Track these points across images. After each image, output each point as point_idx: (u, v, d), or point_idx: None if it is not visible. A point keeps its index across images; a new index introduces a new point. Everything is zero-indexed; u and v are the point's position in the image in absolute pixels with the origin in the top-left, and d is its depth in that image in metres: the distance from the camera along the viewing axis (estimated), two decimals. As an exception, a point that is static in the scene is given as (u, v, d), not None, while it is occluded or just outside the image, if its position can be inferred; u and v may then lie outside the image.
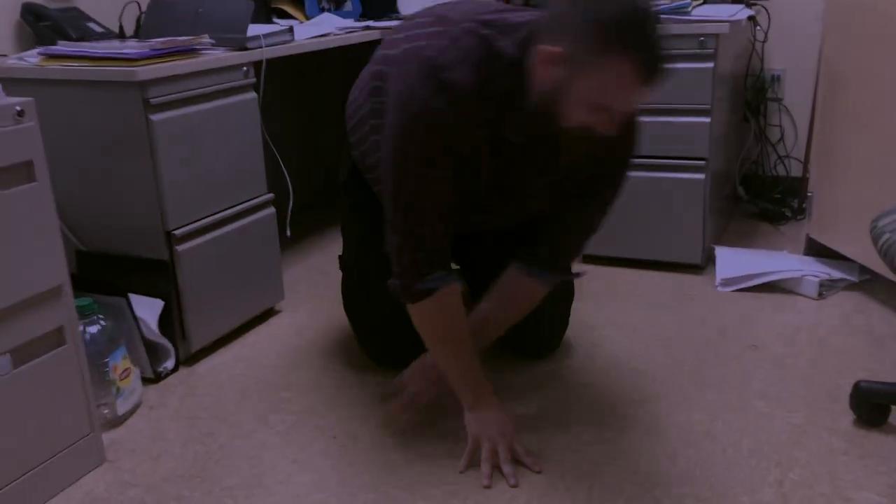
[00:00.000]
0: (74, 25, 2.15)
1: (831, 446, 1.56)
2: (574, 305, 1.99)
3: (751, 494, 1.43)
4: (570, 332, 2.08)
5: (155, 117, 1.82)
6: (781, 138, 2.95)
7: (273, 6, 2.71)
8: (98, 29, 2.18)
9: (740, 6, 2.36)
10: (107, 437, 1.70)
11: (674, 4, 2.31)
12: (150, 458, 1.63)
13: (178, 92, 1.86)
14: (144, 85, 1.78)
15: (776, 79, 2.90)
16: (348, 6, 2.83)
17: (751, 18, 2.52)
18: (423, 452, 1.61)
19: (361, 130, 1.68)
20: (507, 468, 1.51)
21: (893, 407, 1.62)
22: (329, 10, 2.77)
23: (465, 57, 1.39)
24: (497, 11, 1.48)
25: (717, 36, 2.23)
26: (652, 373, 1.86)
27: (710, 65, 2.25)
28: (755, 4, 2.53)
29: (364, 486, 1.51)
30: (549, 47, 1.31)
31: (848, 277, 2.26)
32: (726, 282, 2.29)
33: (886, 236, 1.47)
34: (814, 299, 2.20)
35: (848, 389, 1.74)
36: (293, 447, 1.65)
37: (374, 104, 1.59)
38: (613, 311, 2.19)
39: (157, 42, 1.87)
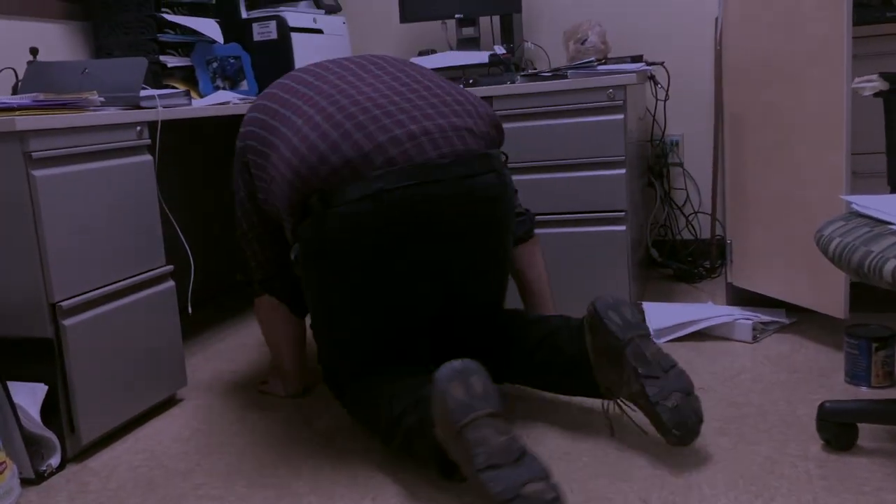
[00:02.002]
0: (-59, 94, 1.94)
1: (808, 472, 1.45)
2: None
3: (739, 528, 1.30)
4: (520, 392, 1.93)
5: (37, 173, 1.62)
6: (687, 200, 2.98)
7: (168, 84, 2.57)
8: (-31, 97, 1.97)
9: (640, 64, 2.40)
10: (-23, 546, 1.41)
11: (579, 62, 2.32)
12: (34, 564, 1.34)
13: (64, 147, 1.68)
14: (24, 136, 1.59)
15: (675, 144, 2.96)
16: (244, 85, 2.73)
17: (651, 77, 2.57)
18: (368, 523, 1.39)
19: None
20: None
21: (860, 427, 1.54)
22: (224, 89, 2.66)
23: None
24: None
25: (624, 87, 2.24)
26: (601, 420, 1.73)
27: (621, 116, 2.25)
28: (653, 64, 2.59)
29: (302, 566, 1.28)
30: None
31: (778, 320, 2.23)
32: (659, 333, 2.21)
33: (836, 241, 1.42)
34: (748, 343, 2.14)
35: (806, 419, 1.66)
36: (212, 535, 1.40)
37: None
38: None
39: (40, 94, 1.69)
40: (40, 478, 1.64)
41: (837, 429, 1.52)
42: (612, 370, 1.59)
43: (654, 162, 2.96)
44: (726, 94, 2.30)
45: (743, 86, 2.22)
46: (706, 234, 2.95)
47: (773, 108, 2.12)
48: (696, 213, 2.97)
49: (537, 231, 2.23)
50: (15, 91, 2.07)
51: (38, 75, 1.96)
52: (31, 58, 2.19)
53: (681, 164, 2.97)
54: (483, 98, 2.35)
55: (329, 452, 1.68)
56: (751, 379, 1.91)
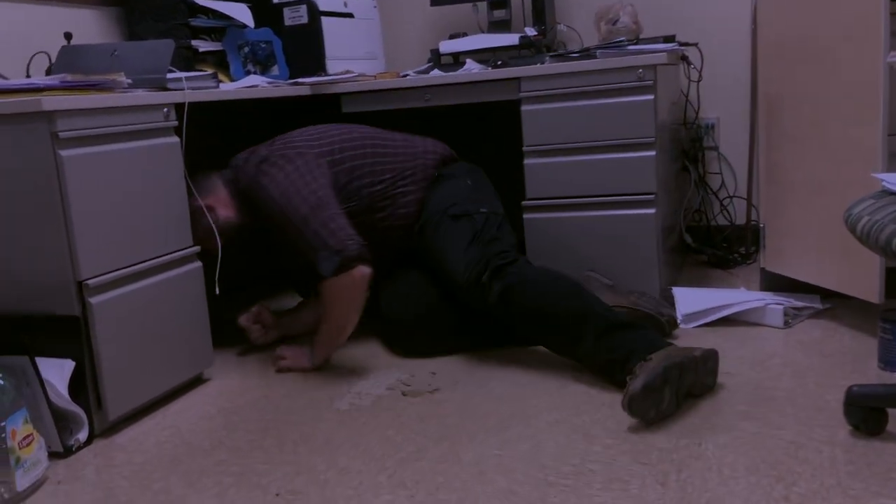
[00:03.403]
0: (-24, 78, 1.98)
1: (833, 457, 1.41)
2: (529, 351, 2.00)
3: (758, 511, 1.27)
4: (535, 371, 1.92)
5: (64, 153, 1.64)
6: (722, 184, 2.92)
7: (199, 68, 2.60)
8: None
9: (672, 44, 2.36)
10: (4, 515, 1.44)
11: (609, 42, 2.28)
12: (57, 534, 1.37)
13: (91, 128, 1.70)
14: (52, 116, 1.62)
15: (710, 127, 2.90)
16: (275, 70, 2.74)
17: (683, 57, 2.52)
18: None
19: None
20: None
21: (890, 412, 1.50)
22: (255, 73, 2.68)
23: None
24: None
25: (654, 67, 2.20)
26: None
27: (651, 97, 2.21)
28: (686, 45, 2.54)
29: (315, 540, 1.29)
30: None
31: (812, 305, 2.18)
32: (688, 318, 2.17)
33: (865, 219, 1.38)
34: (780, 328, 2.10)
35: (835, 405, 1.61)
36: (229, 509, 1.41)
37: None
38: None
39: (67, 75, 1.72)
40: (68, 451, 1.67)
41: (866, 413, 1.48)
42: None
43: (689, 146, 2.90)
44: (761, 74, 2.24)
45: (777, 64, 2.17)
46: (742, 220, 2.89)
47: (808, 86, 2.06)
48: (731, 197, 2.91)
49: (566, 214, 2.29)
50: (48, 74, 2.11)
51: (69, 58, 1.99)
52: (65, 42, 2.22)
53: (716, 148, 2.91)
54: (511, 80, 2.33)
55: (349, 432, 1.69)
56: (781, 364, 1.86)
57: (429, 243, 2.15)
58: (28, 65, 2.10)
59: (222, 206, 2.10)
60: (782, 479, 1.36)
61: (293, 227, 1.97)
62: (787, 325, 2.11)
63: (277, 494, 1.45)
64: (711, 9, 2.83)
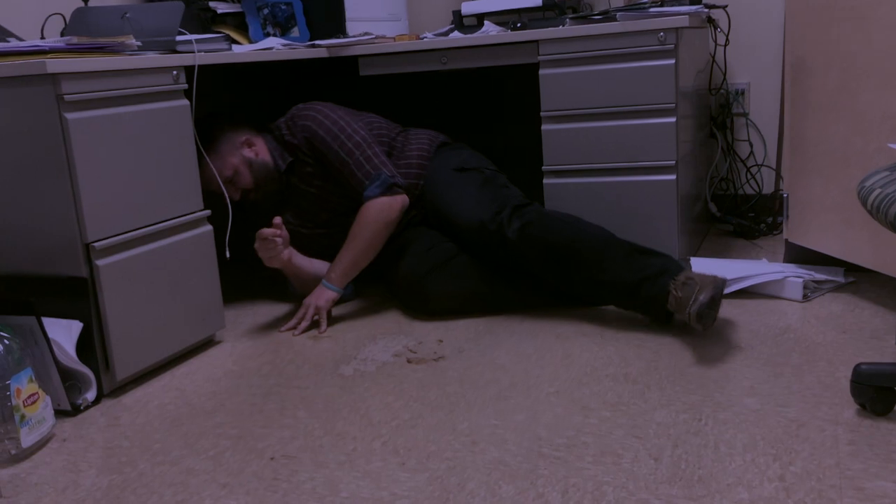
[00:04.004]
0: (-7, 40, 2.00)
1: (836, 437, 1.38)
2: (543, 317, 1.99)
3: (749, 490, 1.24)
4: (541, 342, 1.90)
5: (70, 115, 1.65)
6: (751, 153, 2.84)
7: (216, 31, 2.59)
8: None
9: (699, 6, 2.27)
10: (8, 472, 1.48)
11: (629, 4, 2.21)
12: (55, 492, 1.40)
13: (98, 90, 1.70)
14: (57, 79, 1.62)
15: (740, 93, 2.82)
16: (295, 32, 2.72)
17: (709, 20, 2.43)
18: (368, 470, 1.39)
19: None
20: (321, 324, 2.11)
21: (900, 392, 1.45)
22: (275, 36, 2.66)
23: None
24: None
25: (676, 30, 2.13)
26: (627, 375, 1.68)
27: (671, 61, 2.14)
28: (714, 7, 2.45)
29: (302, 505, 1.30)
30: None
31: (834, 278, 2.11)
32: (704, 289, 2.12)
33: (877, 192, 1.32)
34: (798, 302, 2.04)
35: (845, 383, 1.57)
36: (224, 471, 1.43)
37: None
38: (584, 322, 2.01)
39: (74, 38, 1.72)
40: (76, 410, 1.71)
41: (874, 392, 1.43)
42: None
43: (717, 112, 2.82)
44: (789, 37, 2.16)
45: (807, 27, 2.08)
46: (770, 189, 2.81)
47: (838, 49, 1.97)
48: (758, 165, 2.83)
49: (585, 180, 2.28)
50: (62, 36, 2.11)
51: (81, 20, 2.00)
52: (81, 4, 2.23)
53: (745, 115, 2.82)
54: (529, 42, 2.28)
55: (350, 398, 1.69)
56: (794, 339, 1.82)
57: (437, 199, 2.20)
58: (42, 26, 2.11)
59: (259, 149, 2.22)
60: (779, 457, 1.33)
61: (343, 157, 2.13)
62: (806, 298, 2.05)
63: (272, 458, 1.46)
64: (744, -31, 2.73)
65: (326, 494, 1.32)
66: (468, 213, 2.10)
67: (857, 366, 1.44)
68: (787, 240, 2.26)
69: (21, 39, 2.06)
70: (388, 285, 2.29)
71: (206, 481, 1.40)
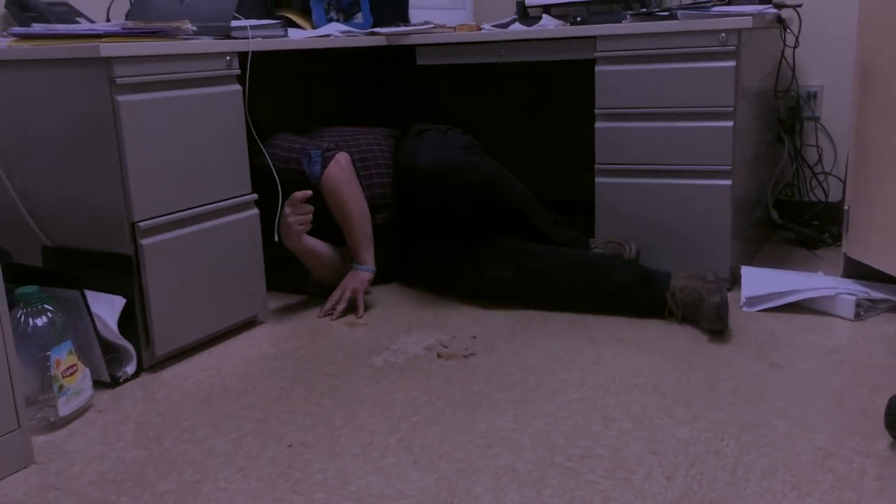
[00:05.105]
0: (62, 20, 2.07)
1: (863, 470, 1.32)
2: (579, 319, 2.01)
3: (761, 519, 1.20)
4: (573, 345, 1.88)
5: (121, 98, 1.70)
6: (819, 160, 2.72)
7: (280, 14, 2.62)
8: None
9: (768, 5, 2.19)
10: (44, 438, 1.55)
11: (694, 2, 2.15)
12: (84, 461, 1.46)
13: (149, 74, 1.75)
14: (109, 62, 1.67)
15: (812, 96, 2.70)
16: (358, 18, 2.73)
17: (779, 20, 2.33)
18: (380, 466, 1.41)
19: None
20: (358, 307, 2.16)
21: (938, 427, 1.38)
22: (338, 21, 2.68)
23: None
24: None
25: (738, 31, 2.05)
26: (656, 388, 1.64)
27: (732, 63, 2.07)
28: (785, 7, 2.35)
29: (309, 495, 1.32)
30: None
31: (891, 298, 2.02)
32: (751, 301, 2.06)
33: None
34: (850, 321, 1.96)
35: (886, 412, 1.50)
36: (243, 454, 1.46)
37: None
38: (621, 327, 1.98)
39: (130, 22, 1.77)
40: (115, 382, 1.77)
41: (910, 426, 1.37)
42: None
43: (787, 115, 2.72)
44: (860, 41, 2.06)
45: (878, 30, 1.98)
46: (837, 196, 2.70)
47: (908, 60, 1.87)
48: (825, 173, 2.71)
49: (637, 180, 2.26)
50: (127, 18, 2.18)
51: (143, 4, 2.05)
52: (151, -14, 2.29)
53: (816, 119, 2.71)
54: (586, 38, 2.23)
55: (376, 389, 1.71)
56: (839, 360, 1.75)
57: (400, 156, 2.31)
58: (108, 8, 2.17)
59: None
60: (798, 486, 1.28)
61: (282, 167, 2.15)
62: (858, 317, 1.97)
63: (290, 445, 1.49)
64: (824, -34, 2.61)
65: (335, 487, 1.34)
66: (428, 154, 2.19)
67: (893, 398, 1.38)
68: (846, 254, 2.17)
69: (92, 21, 2.13)
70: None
71: (225, 463, 1.44)
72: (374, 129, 2.45)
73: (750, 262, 2.40)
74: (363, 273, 2.19)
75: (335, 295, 2.18)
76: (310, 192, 2.07)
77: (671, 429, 1.48)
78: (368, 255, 2.20)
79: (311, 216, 2.10)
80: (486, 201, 2.19)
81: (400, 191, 2.32)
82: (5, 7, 2.06)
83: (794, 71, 2.61)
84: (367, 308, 2.19)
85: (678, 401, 1.59)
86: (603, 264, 2.10)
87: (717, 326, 1.88)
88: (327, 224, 2.20)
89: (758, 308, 2.04)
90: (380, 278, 2.29)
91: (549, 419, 1.54)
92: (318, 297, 2.26)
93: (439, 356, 1.86)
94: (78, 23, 2.09)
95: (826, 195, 2.72)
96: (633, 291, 2.04)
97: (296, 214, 2.07)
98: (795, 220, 2.70)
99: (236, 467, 1.42)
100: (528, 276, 2.13)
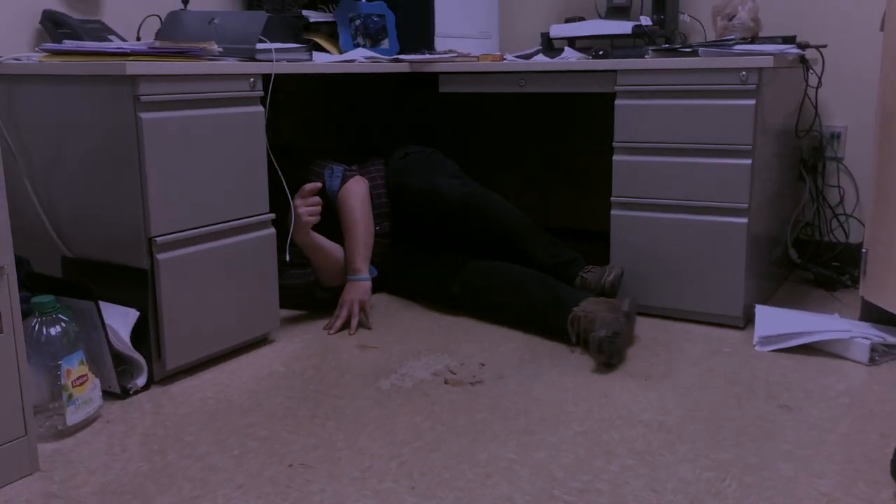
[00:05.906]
0: (94, 37, 2.13)
1: (865, 518, 1.30)
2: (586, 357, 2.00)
3: (757, 563, 1.19)
4: (582, 378, 1.87)
5: (145, 115, 1.74)
6: (841, 201, 2.70)
7: (307, 38, 2.67)
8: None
9: (790, 45, 2.19)
10: (51, 446, 1.57)
11: (713, 40, 2.15)
12: (87, 471, 1.48)
13: (173, 93, 1.79)
14: (135, 80, 1.71)
15: (836, 136, 2.69)
16: (385, 44, 2.77)
17: (802, 60, 2.33)
18: (378, 490, 1.41)
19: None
20: (361, 318, 2.25)
21: (945, 478, 1.35)
22: (364, 47, 2.72)
23: None
24: None
25: (759, 70, 2.05)
26: (662, 424, 1.63)
27: (752, 102, 2.07)
28: (809, 47, 2.35)
29: (306, 516, 1.32)
30: None
31: (906, 343, 1.99)
32: (765, 340, 2.04)
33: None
34: (864, 365, 1.93)
35: (894, 459, 1.47)
36: (243, 472, 1.47)
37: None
38: (632, 360, 1.97)
39: (157, 42, 1.81)
40: (125, 394, 1.80)
41: (916, 475, 1.35)
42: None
43: (810, 155, 2.70)
44: (883, 82, 2.05)
45: (900, 77, 1.97)
46: (858, 238, 2.67)
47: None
48: (846, 214, 2.69)
49: (653, 214, 2.27)
50: (157, 37, 2.23)
51: (173, 23, 2.10)
52: (182, 7, 2.34)
53: (839, 160, 2.69)
54: (607, 72, 2.25)
55: (380, 413, 1.71)
56: (849, 404, 1.72)
57: (393, 178, 2.51)
58: (139, 27, 2.22)
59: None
60: (799, 532, 1.26)
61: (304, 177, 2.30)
62: (873, 361, 1.94)
63: (290, 465, 1.49)
64: (844, 8, 2.60)
65: (332, 509, 1.34)
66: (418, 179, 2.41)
67: (900, 445, 1.36)
68: (863, 297, 2.14)
69: (124, 39, 2.18)
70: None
71: (225, 480, 1.45)
72: (374, 162, 2.59)
73: (767, 301, 2.38)
74: (363, 284, 2.27)
75: (342, 312, 2.22)
76: (318, 185, 2.20)
77: (673, 466, 1.47)
78: (365, 265, 2.29)
79: (319, 208, 2.21)
80: (462, 221, 2.37)
81: (391, 206, 2.51)
82: (40, 23, 2.12)
83: (816, 111, 2.60)
84: (377, 326, 2.27)
85: (683, 438, 1.58)
86: (527, 283, 2.21)
87: (598, 359, 1.93)
88: (332, 236, 2.34)
89: (771, 348, 2.03)
90: (379, 281, 2.43)
91: (550, 451, 1.53)
92: (327, 308, 2.29)
93: (446, 382, 1.87)
94: (109, 40, 2.15)
95: (847, 236, 2.70)
96: (543, 312, 2.13)
97: (305, 206, 2.18)
98: (815, 260, 2.67)
99: (236, 485, 1.43)
100: (470, 291, 2.30)
